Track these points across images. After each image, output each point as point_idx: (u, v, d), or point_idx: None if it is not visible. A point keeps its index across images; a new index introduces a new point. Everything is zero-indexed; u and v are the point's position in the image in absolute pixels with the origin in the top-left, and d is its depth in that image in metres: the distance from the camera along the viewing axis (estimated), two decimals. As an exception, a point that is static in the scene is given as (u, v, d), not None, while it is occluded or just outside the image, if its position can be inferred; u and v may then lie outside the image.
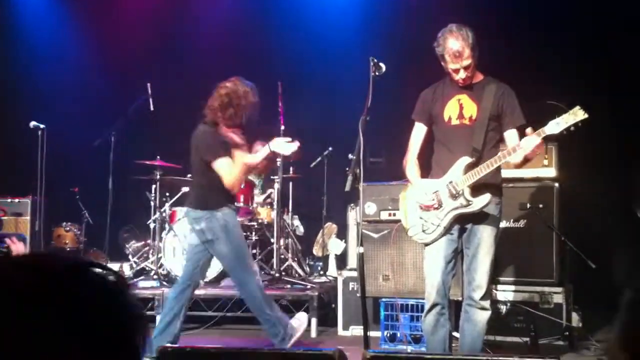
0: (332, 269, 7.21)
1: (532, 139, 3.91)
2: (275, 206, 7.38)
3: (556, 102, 4.01)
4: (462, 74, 4.06)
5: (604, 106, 6.77)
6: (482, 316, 4.16)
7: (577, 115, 3.92)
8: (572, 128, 3.93)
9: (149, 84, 7.48)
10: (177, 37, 8.71)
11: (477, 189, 4.11)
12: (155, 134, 7.83)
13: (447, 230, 4.16)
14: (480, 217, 4.16)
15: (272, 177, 7.72)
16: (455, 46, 3.98)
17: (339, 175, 6.59)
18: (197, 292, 6.57)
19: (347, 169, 3.80)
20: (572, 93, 6.51)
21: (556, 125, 3.93)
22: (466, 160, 4.11)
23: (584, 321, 5.69)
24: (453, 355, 3.53)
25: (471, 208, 4.11)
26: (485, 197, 4.09)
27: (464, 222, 4.21)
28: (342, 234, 7.23)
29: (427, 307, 4.21)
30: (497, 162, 4.04)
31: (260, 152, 5.06)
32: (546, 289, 5.67)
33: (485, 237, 4.16)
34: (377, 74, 3.99)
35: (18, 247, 2.27)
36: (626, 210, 6.39)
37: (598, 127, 5.73)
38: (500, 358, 2.81)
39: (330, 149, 7.35)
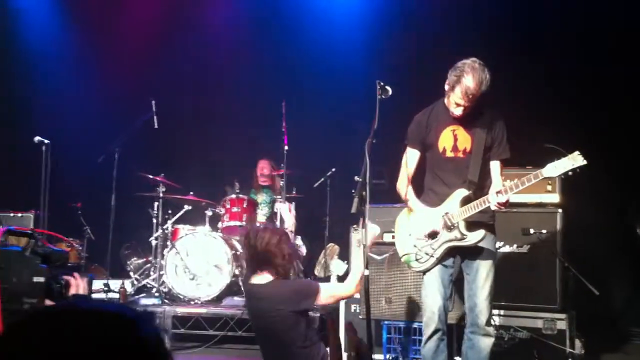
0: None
1: (499, 198, 3.95)
2: (277, 226, 7.37)
3: (555, 147, 4.02)
4: (460, 111, 4.06)
5: (605, 134, 6.82)
6: (486, 343, 4.15)
7: (575, 160, 3.92)
8: (570, 173, 3.93)
9: (153, 101, 7.51)
10: (182, 56, 8.75)
11: (471, 223, 4.11)
12: (159, 151, 7.85)
13: (440, 261, 4.17)
14: (475, 251, 4.16)
15: (275, 197, 7.73)
16: (471, 86, 3.92)
17: (341, 196, 6.61)
18: (198, 310, 6.58)
19: (353, 190, 3.80)
20: (572, 125, 6.57)
21: (554, 169, 3.94)
22: (463, 192, 4.12)
23: (587, 348, 5.65)
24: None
25: (466, 242, 4.11)
26: (480, 233, 4.10)
27: (458, 254, 4.22)
28: (344, 255, 7.20)
29: (427, 333, 4.19)
30: (486, 203, 4.04)
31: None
32: (549, 315, 5.64)
33: (482, 266, 4.16)
34: (383, 96, 3.99)
35: (79, 283, 2.22)
36: (629, 236, 6.39)
37: (601, 155, 5.77)
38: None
39: (333, 169, 7.36)
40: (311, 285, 4.02)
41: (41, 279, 2.12)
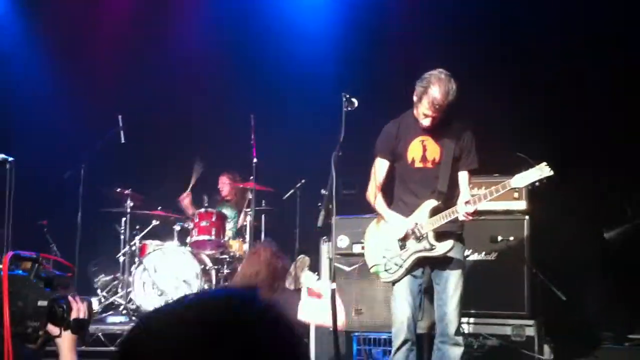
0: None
1: (467, 208, 4.00)
2: (247, 238, 7.33)
3: (523, 155, 4.07)
4: (428, 122, 4.08)
5: (574, 141, 6.90)
6: (456, 352, 4.16)
7: (542, 171, 3.99)
8: (537, 184, 3.98)
9: (120, 116, 7.43)
10: (149, 70, 8.68)
11: (440, 233, 4.13)
12: (127, 166, 7.76)
13: (409, 272, 4.19)
14: (445, 261, 4.18)
15: (245, 209, 7.69)
16: (438, 97, 3.95)
17: (311, 208, 6.58)
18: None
19: (320, 204, 3.79)
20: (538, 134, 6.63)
21: (521, 179, 4.01)
22: (432, 203, 4.14)
23: (555, 353, 5.70)
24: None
25: (434, 253, 4.14)
26: (448, 244, 4.13)
27: (427, 264, 4.23)
28: (315, 267, 7.18)
29: (397, 343, 4.19)
30: (455, 214, 4.08)
31: None
32: (518, 321, 5.68)
33: (452, 276, 4.18)
34: (349, 109, 4.00)
35: (79, 307, 2.24)
36: (596, 242, 6.46)
37: (569, 162, 5.85)
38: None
39: (303, 180, 7.34)
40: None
41: (45, 303, 2.16)
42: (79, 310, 2.22)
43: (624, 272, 6.68)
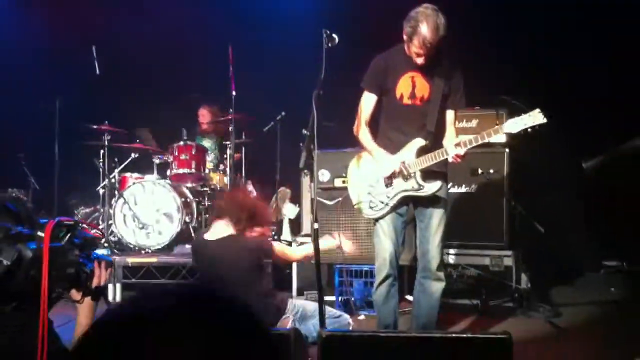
0: (286, 234, 7.19)
1: (457, 150, 3.99)
2: (228, 171, 7.31)
3: (512, 99, 4.03)
4: (422, 59, 4.00)
5: (559, 74, 6.88)
6: (437, 287, 4.22)
7: (536, 118, 3.93)
8: (529, 130, 3.95)
9: (94, 47, 7.24)
10: (124, 1, 8.41)
11: (427, 172, 4.13)
12: (103, 99, 7.62)
13: (394, 210, 4.19)
14: (429, 199, 4.19)
15: (224, 142, 7.63)
16: (428, 36, 3.85)
17: (292, 140, 6.55)
18: (149, 259, 6.54)
19: (301, 144, 3.75)
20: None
21: (514, 125, 3.96)
22: (420, 142, 4.10)
23: (533, 283, 5.84)
24: (407, 333, 3.57)
25: (422, 192, 4.14)
26: (437, 184, 4.13)
27: (412, 202, 4.25)
28: (296, 199, 7.21)
29: (379, 279, 4.24)
30: (444, 155, 4.06)
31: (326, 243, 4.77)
32: (496, 252, 5.79)
33: (435, 213, 4.20)
34: (330, 45, 3.90)
35: (102, 273, 2.23)
36: (574, 173, 6.53)
37: (550, 95, 5.83)
38: (453, 335, 2.85)
39: (283, 113, 7.26)
40: (266, 242, 4.47)
41: (72, 270, 2.14)
42: (100, 277, 2.21)
43: (600, 202, 6.79)
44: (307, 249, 4.73)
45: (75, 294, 2.21)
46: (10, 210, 2.03)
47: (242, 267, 4.31)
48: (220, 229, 4.44)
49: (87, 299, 2.22)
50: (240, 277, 4.24)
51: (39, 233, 1.99)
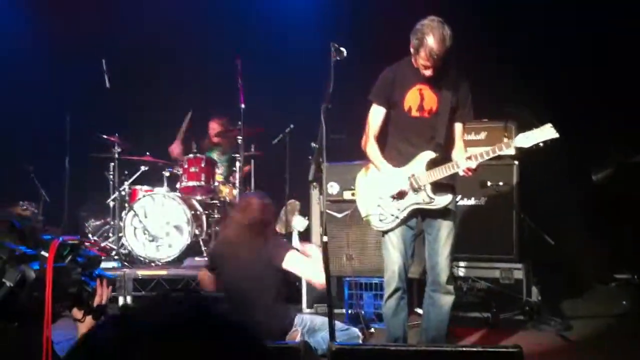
0: (295, 246, 7.19)
1: (469, 163, 3.99)
2: (237, 184, 7.32)
3: (519, 110, 4.01)
4: (430, 72, 4.02)
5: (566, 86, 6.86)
6: (447, 300, 4.21)
7: (547, 133, 3.91)
8: (541, 144, 3.94)
9: (103, 60, 7.29)
10: (134, 13, 8.46)
11: (437, 185, 4.12)
12: (113, 112, 7.67)
13: (404, 222, 4.18)
14: (438, 211, 4.19)
15: (234, 155, 7.65)
16: (435, 47, 3.87)
17: (301, 152, 6.56)
18: (159, 272, 6.55)
19: (310, 157, 3.76)
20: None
21: (525, 139, 3.96)
22: (430, 155, 4.10)
23: (543, 295, 5.81)
24: (417, 346, 3.55)
25: (433, 206, 4.14)
26: (447, 197, 4.13)
27: (421, 214, 4.24)
28: (305, 211, 7.20)
29: (388, 291, 4.23)
30: (455, 168, 4.06)
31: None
32: (506, 265, 5.77)
33: (444, 226, 4.20)
34: (338, 59, 3.92)
35: (103, 292, 2.24)
36: (584, 185, 6.51)
37: (559, 108, 5.82)
38: (463, 348, 2.84)
39: (291, 125, 7.27)
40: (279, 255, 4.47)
41: (74, 290, 2.15)
42: (101, 296, 2.22)
43: (610, 213, 6.76)
44: (317, 274, 4.35)
45: (76, 313, 2.22)
46: (16, 228, 2.03)
47: (259, 271, 4.38)
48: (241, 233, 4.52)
49: (88, 318, 2.22)
50: (257, 279, 4.35)
51: (43, 253, 1.99)
